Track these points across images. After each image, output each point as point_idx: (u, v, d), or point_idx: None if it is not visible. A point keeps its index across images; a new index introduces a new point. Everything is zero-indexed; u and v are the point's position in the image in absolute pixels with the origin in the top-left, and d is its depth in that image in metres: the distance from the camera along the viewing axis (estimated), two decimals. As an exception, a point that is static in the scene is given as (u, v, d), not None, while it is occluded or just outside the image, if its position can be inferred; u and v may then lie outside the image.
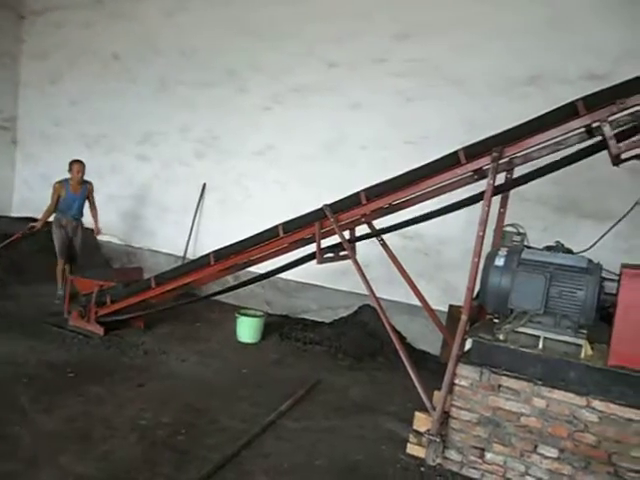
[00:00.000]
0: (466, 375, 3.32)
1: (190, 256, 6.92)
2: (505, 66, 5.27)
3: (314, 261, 4.23)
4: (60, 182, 6.08)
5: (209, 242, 6.18)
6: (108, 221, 6.88)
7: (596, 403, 3.01)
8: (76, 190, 6.09)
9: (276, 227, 4.32)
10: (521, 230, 3.93)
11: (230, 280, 5.96)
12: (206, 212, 7.18)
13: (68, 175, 6.05)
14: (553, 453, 3.11)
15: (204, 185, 7.14)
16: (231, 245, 4.61)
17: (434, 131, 5.48)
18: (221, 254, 4.62)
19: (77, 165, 6.04)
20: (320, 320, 6.06)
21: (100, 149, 7.95)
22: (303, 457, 3.38)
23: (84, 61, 8.10)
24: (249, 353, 5.17)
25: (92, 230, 6.34)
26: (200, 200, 7.16)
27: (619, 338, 3.06)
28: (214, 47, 6.99)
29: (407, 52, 5.75)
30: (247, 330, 5.44)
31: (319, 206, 4.15)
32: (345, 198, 4.06)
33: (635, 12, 4.73)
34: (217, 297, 5.71)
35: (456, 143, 3.74)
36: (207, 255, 4.73)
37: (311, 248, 4.29)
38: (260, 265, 4.91)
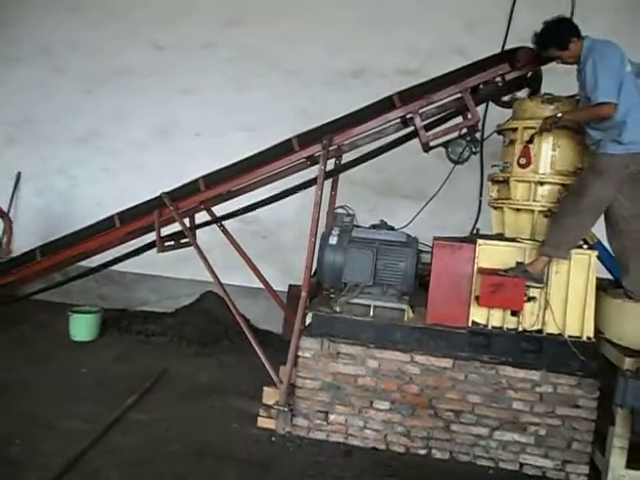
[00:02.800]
0: (308, 347, 3.58)
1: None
2: (330, 59, 5.62)
3: (151, 251, 4.16)
4: None
5: (29, 238, 5.60)
6: None
7: (418, 357, 3.47)
8: None
9: (111, 217, 4.13)
10: (350, 211, 4.28)
11: (58, 276, 5.52)
12: (23, 205, 6.47)
13: None
14: (386, 406, 3.52)
15: (19, 174, 6.44)
16: (61, 238, 4.30)
17: (268, 118, 5.62)
18: (49, 249, 4.28)
19: None
20: (161, 311, 5.91)
21: None
22: (154, 446, 3.34)
23: None
24: (87, 352, 4.87)
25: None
26: (14, 191, 6.44)
27: (433, 300, 3.57)
28: (21, 19, 6.27)
29: (237, 39, 5.80)
30: (82, 328, 5.10)
31: (155, 194, 4.08)
32: (184, 185, 4.05)
33: (441, 16, 5.38)
34: (42, 296, 5.26)
35: (289, 130, 3.94)
36: (32, 251, 4.34)
37: (150, 237, 4.20)
38: (93, 258, 4.65)
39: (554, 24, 3.31)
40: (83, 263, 4.86)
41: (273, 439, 3.55)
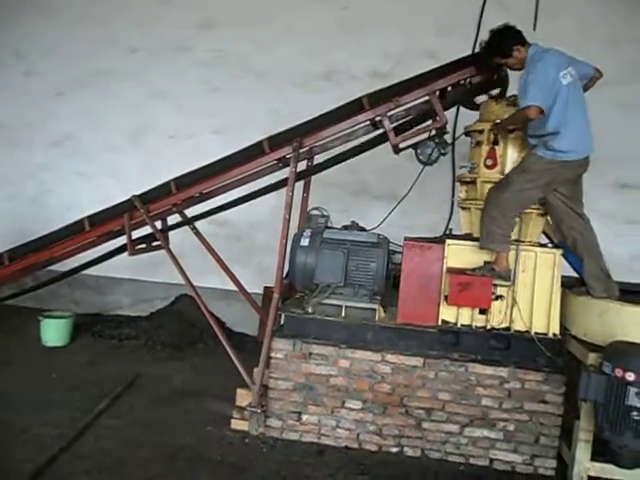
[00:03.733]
0: (281, 348, 3.60)
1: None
2: (303, 61, 5.66)
3: (125, 255, 4.14)
4: None
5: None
6: None
7: (389, 357, 3.51)
8: None
9: (81, 220, 4.10)
10: (325, 213, 4.33)
11: (29, 282, 5.45)
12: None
13: None
14: (358, 405, 3.55)
15: (-11, 178, 6.35)
16: (29, 242, 4.25)
17: (241, 121, 5.62)
18: (18, 253, 4.23)
19: None
20: (135, 315, 5.87)
21: None
22: (126, 451, 3.32)
23: None
24: (58, 357, 4.81)
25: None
26: (-16, 195, 6.35)
27: (404, 300, 3.62)
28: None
29: (211, 42, 5.83)
30: (54, 333, 5.04)
31: (127, 197, 4.06)
32: (155, 188, 4.04)
33: (412, 20, 5.45)
34: (14, 301, 5.22)
35: (262, 133, 3.96)
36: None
37: (122, 240, 4.18)
38: (64, 262, 4.60)
39: (497, 33, 3.44)
40: (55, 267, 4.81)
41: (246, 441, 3.56)
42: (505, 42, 3.39)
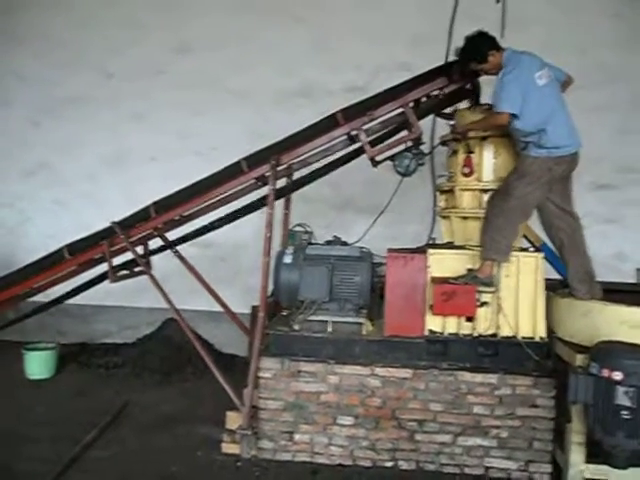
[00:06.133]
0: (269, 367, 3.56)
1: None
2: (280, 80, 5.71)
3: (108, 281, 4.09)
4: None
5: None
6: None
7: (378, 370, 3.49)
8: None
9: (60, 250, 4.05)
10: (308, 229, 4.32)
11: (11, 315, 5.35)
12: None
13: None
14: (349, 421, 3.52)
15: (-35, 210, 6.26)
16: (7, 275, 4.18)
17: (222, 142, 5.65)
18: (-3, 285, 4.16)
19: None
20: (122, 342, 5.79)
21: None
22: (116, 483, 3.26)
23: None
24: (43, 389, 4.72)
25: None
26: (-39, 228, 6.25)
27: (390, 312, 3.60)
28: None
29: (187, 65, 5.85)
30: (37, 365, 4.95)
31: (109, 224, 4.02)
32: (135, 213, 4.01)
33: (385, 33, 5.52)
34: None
35: (243, 152, 3.93)
36: (-23, 290, 4.20)
37: (105, 267, 4.13)
38: (47, 292, 4.53)
39: (472, 39, 3.47)
40: (38, 298, 4.74)
41: (238, 464, 3.50)
42: (480, 47, 3.43)
